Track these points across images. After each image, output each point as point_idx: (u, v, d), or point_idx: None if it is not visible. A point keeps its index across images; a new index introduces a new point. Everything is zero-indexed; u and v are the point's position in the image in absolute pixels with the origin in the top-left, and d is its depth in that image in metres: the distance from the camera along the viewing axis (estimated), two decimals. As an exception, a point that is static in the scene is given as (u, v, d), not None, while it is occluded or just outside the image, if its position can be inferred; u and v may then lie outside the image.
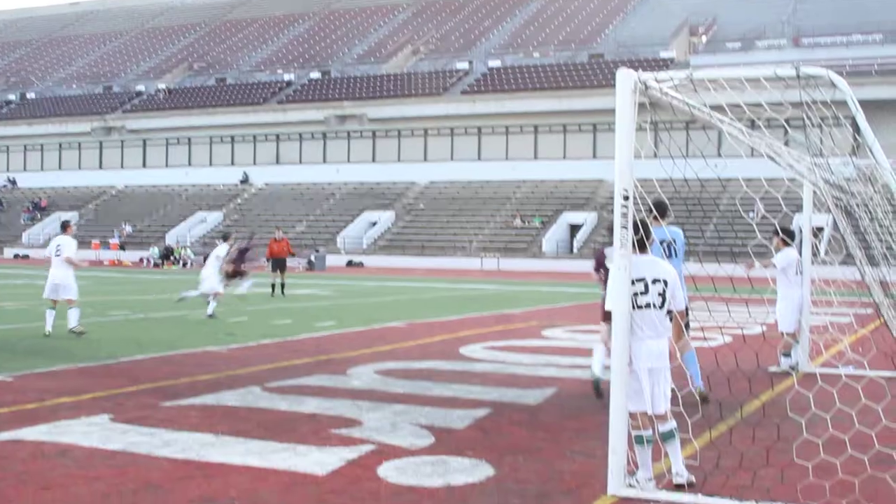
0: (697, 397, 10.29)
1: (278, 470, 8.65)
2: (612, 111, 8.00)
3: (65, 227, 20.69)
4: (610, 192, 63.98)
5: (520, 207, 72.89)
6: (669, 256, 12.63)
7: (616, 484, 7.95)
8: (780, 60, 65.15)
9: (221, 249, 26.44)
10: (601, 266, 12.11)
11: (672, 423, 8.24)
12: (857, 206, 10.91)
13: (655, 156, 8.05)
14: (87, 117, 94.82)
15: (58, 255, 19.96)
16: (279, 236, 36.51)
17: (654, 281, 8.26)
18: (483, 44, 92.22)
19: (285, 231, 40.61)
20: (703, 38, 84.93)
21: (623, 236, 7.95)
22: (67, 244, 19.95)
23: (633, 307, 8.11)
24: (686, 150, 8.66)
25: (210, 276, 25.43)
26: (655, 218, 12.67)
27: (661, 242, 12.74)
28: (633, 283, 8.06)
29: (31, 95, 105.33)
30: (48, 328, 19.24)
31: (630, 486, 7.97)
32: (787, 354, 15.45)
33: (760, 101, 7.80)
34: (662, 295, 8.28)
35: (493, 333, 20.84)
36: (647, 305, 8.21)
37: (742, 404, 11.36)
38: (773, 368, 15.02)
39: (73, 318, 19.71)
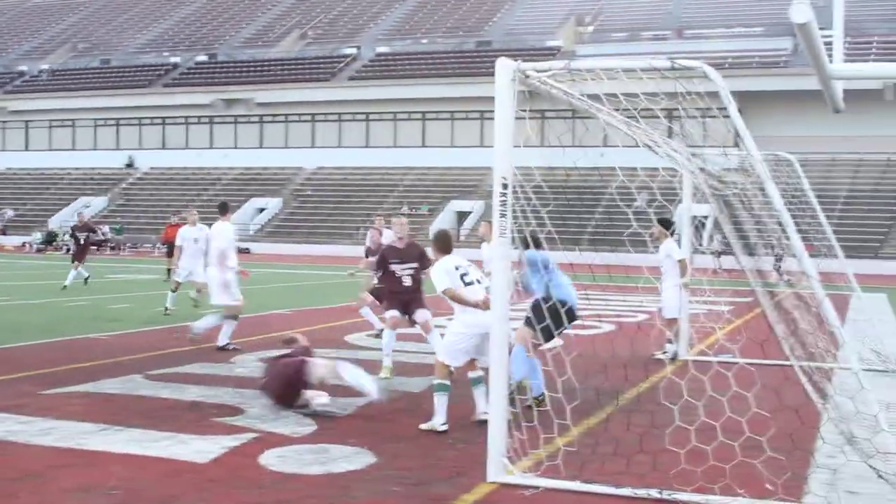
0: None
1: (159, 458, 8.63)
2: (496, 99, 8.11)
3: None
4: (497, 180, 63.92)
5: (407, 194, 72.91)
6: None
7: (495, 471, 8.06)
8: (664, 52, 66.02)
9: None
10: None
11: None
12: (734, 196, 11.14)
13: (542, 144, 8.17)
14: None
15: None
16: (175, 220, 36.41)
17: None
18: (371, 29, 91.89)
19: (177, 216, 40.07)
20: (590, 28, 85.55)
21: (502, 225, 8.07)
22: None
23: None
24: (572, 140, 8.79)
25: None
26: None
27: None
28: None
29: None
30: None
31: (509, 472, 8.09)
32: (671, 341, 15.78)
33: (637, 92, 7.95)
34: None
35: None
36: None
37: (618, 392, 11.56)
38: (658, 355, 15.32)
39: None
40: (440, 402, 10.06)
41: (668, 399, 9.32)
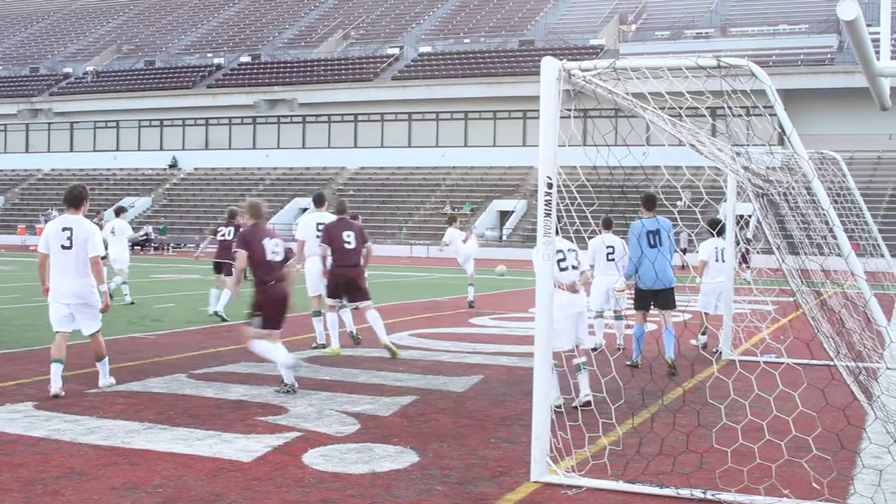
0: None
1: (203, 457, 8.65)
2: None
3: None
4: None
5: (450, 194, 72.95)
6: (653, 246, 13.27)
7: (539, 470, 8.04)
8: (707, 50, 65.78)
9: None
10: None
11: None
12: (779, 195, 11.08)
13: (584, 144, 8.15)
14: (14, 99, 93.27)
15: None
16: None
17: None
18: (414, 29, 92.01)
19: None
20: (633, 27, 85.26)
21: (546, 224, 8.04)
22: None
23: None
24: (615, 139, 8.77)
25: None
26: (646, 209, 13.50)
27: (648, 233, 13.39)
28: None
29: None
30: None
31: (552, 472, 8.07)
32: (703, 332, 16.12)
33: (682, 91, 7.92)
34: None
35: (420, 320, 20.90)
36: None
37: (664, 391, 11.51)
38: (692, 341, 15.67)
39: None
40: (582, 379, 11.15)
41: (714, 398, 9.26)
